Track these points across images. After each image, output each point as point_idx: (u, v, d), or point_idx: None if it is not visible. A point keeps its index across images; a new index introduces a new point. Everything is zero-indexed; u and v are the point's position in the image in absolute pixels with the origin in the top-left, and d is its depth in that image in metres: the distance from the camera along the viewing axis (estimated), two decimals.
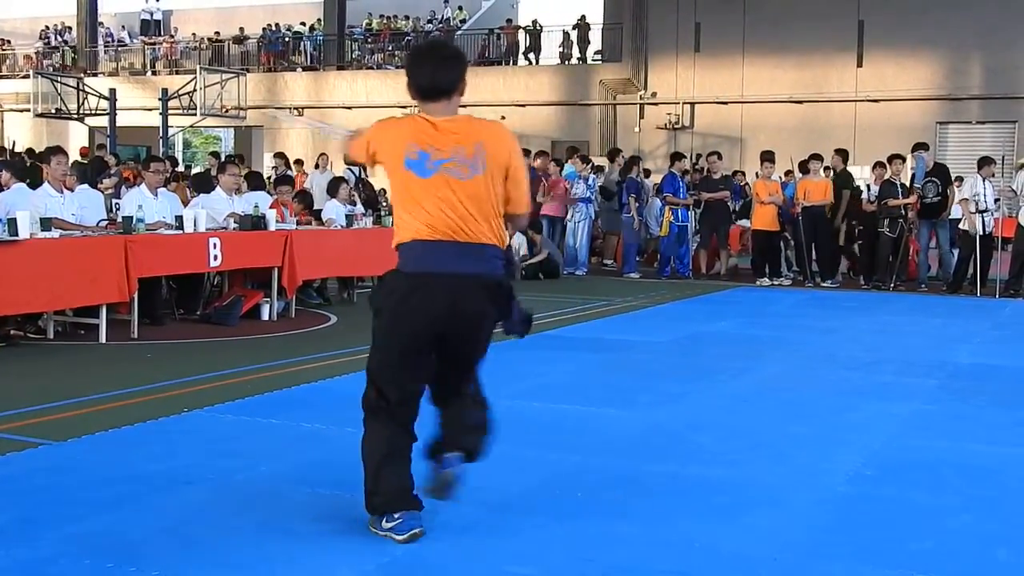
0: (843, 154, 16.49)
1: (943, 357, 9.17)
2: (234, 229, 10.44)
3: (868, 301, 13.83)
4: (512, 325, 4.21)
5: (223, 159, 18.74)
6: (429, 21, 34.32)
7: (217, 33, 36.07)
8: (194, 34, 37.00)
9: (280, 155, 20.05)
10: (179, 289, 10.71)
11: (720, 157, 17.15)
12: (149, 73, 35.27)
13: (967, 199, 14.41)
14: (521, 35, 31.56)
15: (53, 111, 26.47)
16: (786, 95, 25.82)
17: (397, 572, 3.80)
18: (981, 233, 14.30)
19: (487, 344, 4.16)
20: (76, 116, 26.24)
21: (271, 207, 11.19)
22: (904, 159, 15.72)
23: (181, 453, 5.29)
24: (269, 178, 16.73)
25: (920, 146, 16.18)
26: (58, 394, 6.66)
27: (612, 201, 17.70)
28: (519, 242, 15.87)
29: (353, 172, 17.49)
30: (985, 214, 14.34)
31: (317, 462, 5.20)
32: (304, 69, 33.26)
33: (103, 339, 8.87)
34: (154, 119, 26.02)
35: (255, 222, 10.52)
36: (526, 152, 18.75)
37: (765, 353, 9.20)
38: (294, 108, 31.43)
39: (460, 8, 34.84)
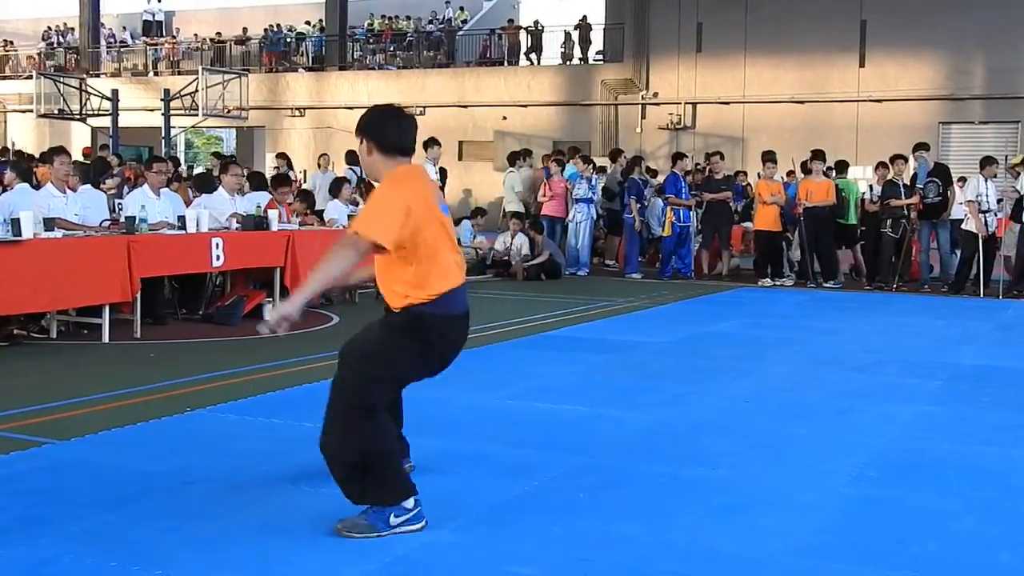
0: (817, 153, 16.45)
1: (946, 358, 9.16)
2: (236, 229, 10.45)
3: (871, 302, 13.81)
4: None
5: (221, 160, 18.78)
6: (430, 21, 34.34)
7: (219, 34, 36.10)
8: (196, 35, 37.04)
9: (282, 155, 20.05)
10: (181, 289, 10.72)
11: (722, 157, 17.14)
12: (151, 74, 35.29)
13: (972, 200, 14.38)
14: (523, 35, 31.58)
15: (56, 112, 26.49)
16: (788, 95, 25.83)
17: (400, 572, 3.80)
18: (986, 233, 14.28)
19: None
20: (79, 117, 26.25)
21: (268, 206, 11.17)
22: (906, 159, 15.70)
23: (183, 453, 5.30)
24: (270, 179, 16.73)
25: (922, 146, 16.18)
26: (61, 393, 6.67)
27: (614, 202, 17.70)
28: (520, 242, 15.88)
29: (355, 172, 17.49)
30: (988, 214, 14.32)
31: (319, 463, 5.18)
32: (306, 70, 33.28)
33: (106, 339, 8.88)
34: (156, 120, 26.04)
35: (257, 222, 10.52)
36: (527, 152, 18.80)
37: (767, 354, 9.19)
38: (295, 109, 31.46)
39: (462, 8, 34.85)
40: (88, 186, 10.97)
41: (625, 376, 7.92)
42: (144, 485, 4.68)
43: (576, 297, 13.33)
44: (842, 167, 16.63)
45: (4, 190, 10.51)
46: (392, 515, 4.07)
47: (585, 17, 30.16)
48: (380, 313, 4.33)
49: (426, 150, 14.93)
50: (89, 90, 26.43)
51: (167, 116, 24.77)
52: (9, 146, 28.24)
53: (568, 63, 30.13)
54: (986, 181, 14.44)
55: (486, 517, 4.39)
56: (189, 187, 13.86)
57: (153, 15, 39.21)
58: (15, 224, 8.11)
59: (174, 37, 38.05)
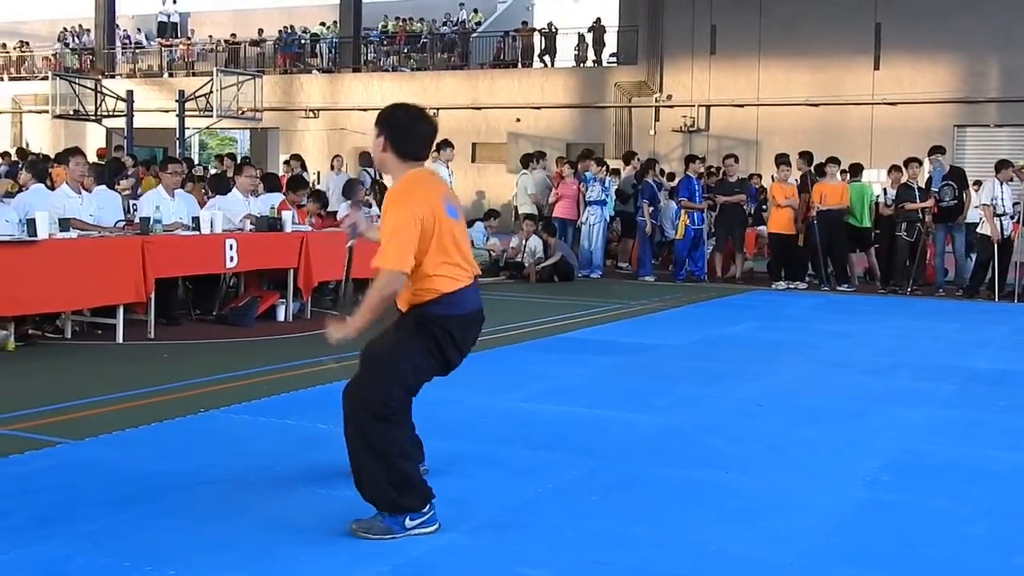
0: (806, 157, 16.53)
1: (960, 362, 9.13)
2: (250, 230, 10.47)
3: (884, 305, 13.78)
4: None
5: (220, 162, 18.86)
6: (444, 23, 34.38)
7: (233, 35, 36.19)
8: (210, 36, 37.14)
9: (296, 157, 20.09)
10: (195, 290, 10.74)
11: (736, 160, 17.10)
12: (166, 75, 35.40)
13: (987, 204, 14.32)
14: (536, 37, 31.57)
15: (71, 112, 26.59)
16: (802, 98, 25.77)
17: (412, 574, 3.81)
18: (1000, 238, 14.22)
19: None
20: (94, 117, 26.34)
21: (280, 206, 11.19)
22: (921, 162, 15.66)
23: (196, 453, 5.31)
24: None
25: (937, 149, 16.12)
26: (75, 393, 6.70)
27: (628, 204, 17.70)
28: (535, 245, 15.88)
29: (369, 174, 17.53)
30: (1003, 218, 14.25)
31: (332, 464, 5.20)
32: (320, 71, 33.34)
33: (120, 339, 8.91)
34: (171, 121, 26.12)
35: (271, 223, 10.54)
36: (541, 155, 18.80)
37: (780, 357, 9.18)
38: (309, 110, 31.51)
39: (475, 11, 34.87)
40: (103, 187, 11.01)
41: (637, 379, 7.91)
42: (157, 485, 4.70)
43: (589, 299, 13.33)
44: (856, 170, 16.59)
45: (20, 190, 10.55)
46: (408, 518, 4.09)
47: (599, 19, 30.14)
48: (390, 315, 4.35)
49: (439, 152, 14.94)
50: (104, 91, 26.53)
51: (181, 117, 24.84)
52: (24, 146, 28.40)
53: (582, 65, 30.12)
54: (1001, 184, 14.38)
55: (498, 519, 4.39)
56: (203, 188, 13.91)
57: (168, 16, 39.34)
58: (31, 224, 8.15)
59: (189, 38, 38.17)
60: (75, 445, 5.38)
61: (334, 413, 6.28)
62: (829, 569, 3.96)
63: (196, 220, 9.92)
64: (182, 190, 11.07)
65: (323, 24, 34.98)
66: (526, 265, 15.74)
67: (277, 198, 11.72)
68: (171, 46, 37.09)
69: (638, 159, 18.33)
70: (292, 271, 10.55)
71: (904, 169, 15.44)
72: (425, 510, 4.13)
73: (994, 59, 24.48)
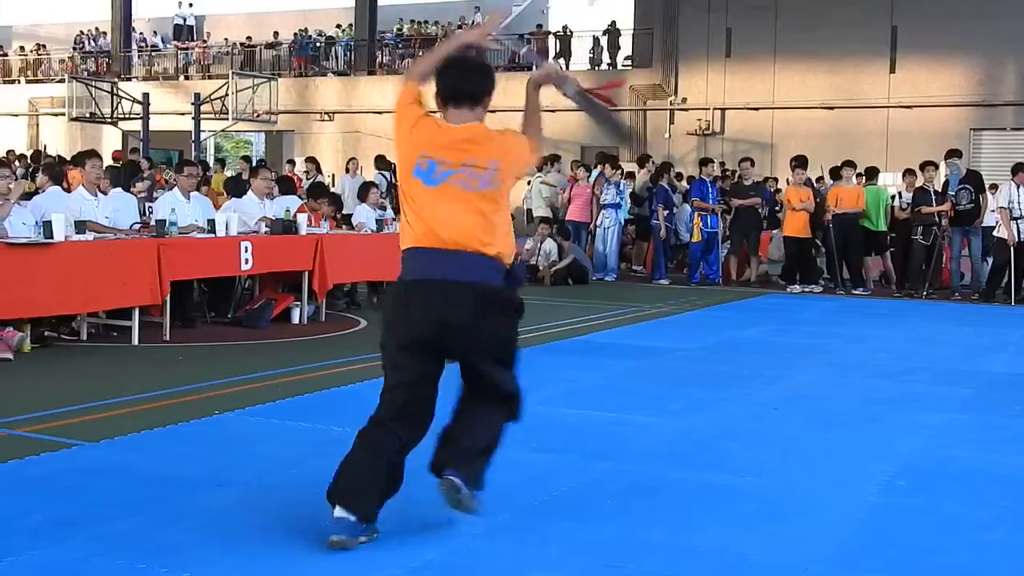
0: (799, 160, 16.61)
1: (976, 366, 9.10)
2: (265, 233, 10.50)
3: (900, 309, 13.73)
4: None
5: (211, 164, 18.87)
6: (459, 26, 34.36)
7: (249, 38, 36.27)
8: (226, 39, 37.23)
9: (311, 160, 20.14)
10: (211, 292, 10.77)
11: (752, 163, 17.09)
12: (182, 78, 35.49)
13: (1004, 207, 14.26)
14: (551, 40, 31.56)
15: (87, 115, 26.68)
16: (818, 101, 25.70)
17: None
18: (1017, 241, 14.15)
19: (497, 345, 4.17)
20: (110, 120, 26.44)
21: (299, 210, 11.23)
22: (937, 166, 15.61)
23: (212, 456, 5.32)
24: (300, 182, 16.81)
25: (954, 153, 16.07)
26: (91, 395, 6.71)
27: (642, 207, 17.69)
28: (549, 248, 15.88)
29: (385, 177, 17.56)
30: (1020, 221, 14.18)
31: None
32: (335, 74, 33.39)
33: (135, 341, 8.94)
34: (186, 123, 26.19)
35: (286, 226, 10.57)
36: (555, 158, 18.79)
37: (796, 361, 9.15)
38: (324, 113, 31.54)
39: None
40: (119, 189, 11.06)
41: (652, 382, 7.90)
42: (173, 488, 4.71)
43: (603, 302, 13.32)
44: (872, 174, 16.55)
45: (37, 192, 10.61)
46: None
47: (614, 22, 30.11)
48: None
49: None
50: (120, 94, 26.62)
51: (197, 120, 24.92)
52: (42, 149, 28.50)
53: (597, 68, 30.10)
54: (1018, 188, 14.32)
55: (513, 522, 4.38)
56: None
57: (184, 19, 39.45)
58: (47, 226, 8.18)
59: (204, 41, 38.27)
60: (91, 447, 5.39)
61: (349, 416, 6.31)
62: (845, 573, 3.94)
63: (211, 222, 9.94)
64: (197, 193, 11.11)
65: (339, 26, 35.02)
66: (540, 268, 15.74)
67: (292, 201, 11.75)
68: (187, 49, 37.20)
69: (652, 162, 18.33)
70: (307, 274, 10.58)
71: (919, 173, 15.40)
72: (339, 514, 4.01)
73: (1011, 62, 24.38)
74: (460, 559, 3.94)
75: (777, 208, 17.94)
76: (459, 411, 4.19)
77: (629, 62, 29.93)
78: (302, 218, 10.86)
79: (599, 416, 6.57)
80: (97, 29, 39.05)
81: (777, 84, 26.25)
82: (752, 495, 4.87)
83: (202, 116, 25.13)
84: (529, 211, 18.97)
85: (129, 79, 34.02)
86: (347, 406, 6.69)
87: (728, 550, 4.12)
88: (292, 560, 3.87)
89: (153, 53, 38.04)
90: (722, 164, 22.36)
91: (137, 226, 10.10)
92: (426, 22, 35.17)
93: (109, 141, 30.68)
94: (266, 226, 10.62)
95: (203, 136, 26.08)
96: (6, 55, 39.61)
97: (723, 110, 27.13)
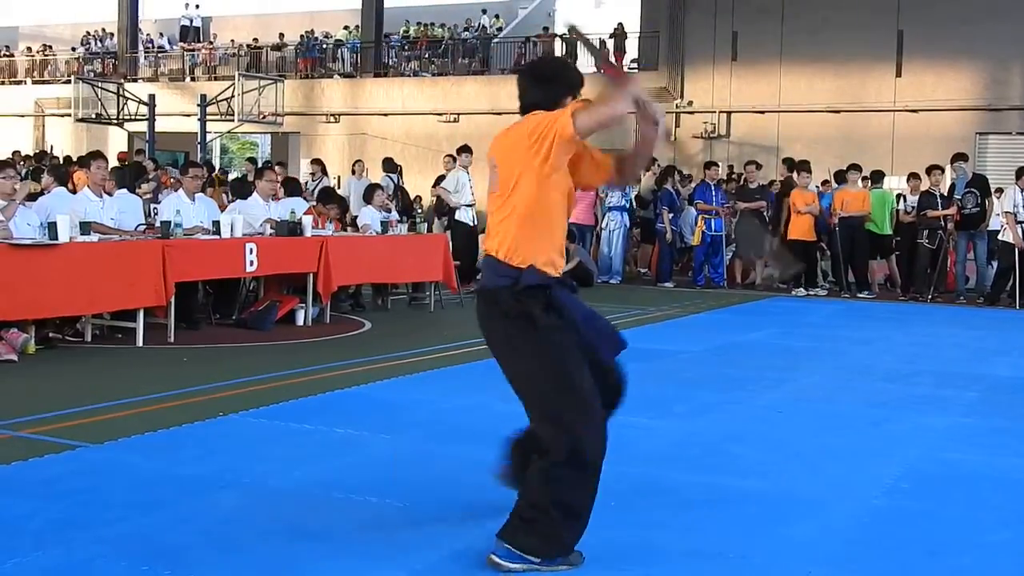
0: (788, 163, 16.86)
1: (981, 370, 9.08)
2: (271, 235, 10.50)
3: (905, 312, 13.72)
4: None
5: (211, 168, 18.83)
6: (466, 29, 34.39)
7: (255, 40, 36.30)
8: (232, 40, 37.25)
9: (317, 161, 20.13)
10: (215, 294, 10.78)
11: (758, 167, 17.09)
12: (188, 79, 35.52)
13: (1009, 212, 14.26)
14: (557, 43, 31.55)
15: (93, 116, 26.68)
16: (823, 105, 25.65)
17: None
18: (1022, 245, 14.15)
19: (512, 374, 3.94)
20: (116, 121, 26.44)
21: (307, 213, 11.24)
22: (943, 170, 15.60)
23: (216, 457, 5.32)
24: (305, 184, 16.79)
25: (960, 157, 16.06)
26: (95, 397, 6.71)
27: (647, 210, 17.69)
28: None
29: (392, 179, 17.58)
30: None
31: (351, 468, 5.21)
32: (341, 76, 33.40)
33: (140, 343, 8.94)
34: (192, 125, 26.19)
35: (291, 228, 10.57)
36: None
37: (801, 364, 9.15)
38: (330, 115, 31.54)
39: (497, 16, 34.87)
40: (124, 190, 11.07)
41: (657, 385, 7.88)
42: (177, 489, 4.71)
43: (608, 305, 13.30)
44: (877, 177, 16.55)
45: (42, 193, 10.62)
46: None
47: (620, 25, 30.10)
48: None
49: (458, 156, 15.11)
50: (126, 95, 26.62)
51: (203, 121, 24.93)
52: (48, 150, 28.53)
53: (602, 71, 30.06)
54: (1023, 192, 14.32)
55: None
56: (224, 192, 13.96)
57: (190, 21, 39.48)
58: (52, 228, 8.19)
59: (211, 43, 38.29)
60: (95, 449, 5.40)
61: (353, 418, 6.32)
62: None
63: (216, 224, 9.95)
64: (202, 194, 11.11)
65: (346, 28, 35.03)
66: None
67: (297, 203, 11.75)
68: (193, 50, 37.23)
69: (658, 165, 18.32)
70: (312, 275, 10.58)
71: (924, 177, 15.42)
72: None
73: (1017, 67, 24.33)
74: (461, 563, 3.92)
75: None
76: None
77: (635, 65, 29.91)
78: (307, 220, 10.87)
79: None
80: (104, 30, 39.10)
81: (783, 87, 26.21)
82: (756, 497, 4.87)
83: (208, 118, 25.13)
84: None
85: (135, 80, 34.04)
86: (351, 408, 6.71)
87: (732, 552, 4.11)
88: (296, 562, 3.87)
89: (159, 54, 38.06)
90: (730, 167, 22.35)
91: (142, 227, 10.11)
92: (432, 24, 35.18)
93: (115, 142, 30.70)
94: (271, 227, 10.62)
95: (209, 138, 26.08)
96: (12, 56, 39.63)
97: (729, 113, 27.10)
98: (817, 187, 17.27)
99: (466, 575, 3.83)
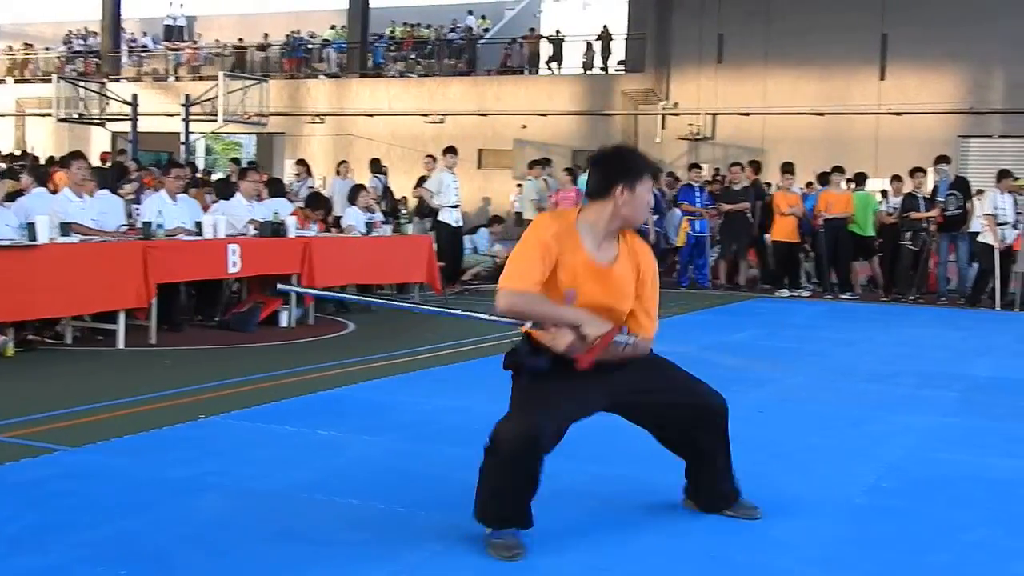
0: (754, 165, 17.01)
1: (963, 370, 9.12)
2: (254, 236, 10.47)
3: (887, 313, 13.76)
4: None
5: (195, 168, 18.79)
6: (452, 30, 34.39)
7: (240, 40, 36.21)
8: (217, 40, 37.17)
9: (301, 162, 20.08)
10: (198, 295, 10.73)
11: (742, 168, 17.13)
12: (171, 79, 35.42)
13: (990, 214, 14.35)
14: (544, 44, 31.58)
15: (75, 116, 26.57)
16: (808, 107, 25.75)
17: None
18: (1002, 246, 14.25)
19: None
20: (98, 121, 26.34)
21: (292, 214, 11.21)
22: (925, 172, 15.68)
23: (197, 460, 5.29)
24: (289, 185, 16.76)
25: (943, 159, 16.13)
26: (75, 400, 6.68)
27: None
28: None
29: (381, 180, 17.56)
30: (1005, 227, 14.29)
31: (334, 470, 5.20)
32: (327, 76, 33.36)
33: (121, 345, 8.89)
34: (176, 125, 26.11)
35: (275, 229, 10.54)
36: (546, 161, 18.78)
37: (783, 364, 9.16)
38: (316, 115, 31.50)
39: (483, 17, 34.89)
40: (106, 191, 11.01)
41: None
42: (158, 492, 4.68)
43: None
44: (860, 179, 16.61)
45: (20, 193, 10.56)
46: None
47: (606, 27, 30.16)
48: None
49: (444, 157, 15.11)
50: (109, 95, 26.53)
51: (187, 121, 24.84)
52: (30, 150, 28.41)
53: (588, 72, 30.13)
54: (1003, 194, 14.45)
55: None
56: (207, 192, 13.92)
57: (174, 20, 39.38)
58: (31, 228, 8.13)
59: (195, 42, 38.20)
60: (74, 452, 5.36)
61: (336, 420, 6.30)
62: (831, 575, 3.95)
63: (199, 225, 9.91)
64: (185, 195, 11.07)
65: (333, 27, 34.95)
66: None
67: (281, 203, 11.73)
68: (177, 50, 37.13)
69: None
70: (295, 276, 10.55)
71: (906, 179, 15.51)
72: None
73: (999, 71, 24.47)
74: (444, 564, 3.92)
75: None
76: None
77: (622, 67, 29.96)
78: (292, 221, 10.84)
79: (588, 419, 6.53)
80: (86, 29, 38.97)
81: (768, 90, 26.30)
82: None
83: (192, 118, 25.05)
84: (518, 214, 18.97)
85: (118, 80, 33.92)
86: (334, 410, 6.69)
87: (716, 552, 4.12)
88: (279, 565, 3.85)
89: (143, 54, 37.95)
90: (716, 170, 22.39)
91: (124, 228, 10.06)
92: (418, 25, 35.16)
93: (97, 142, 30.58)
94: (254, 228, 10.59)
95: (192, 138, 26.00)
96: None
97: (714, 115, 27.17)
98: (801, 189, 17.32)
99: (446, 575, 3.83)
